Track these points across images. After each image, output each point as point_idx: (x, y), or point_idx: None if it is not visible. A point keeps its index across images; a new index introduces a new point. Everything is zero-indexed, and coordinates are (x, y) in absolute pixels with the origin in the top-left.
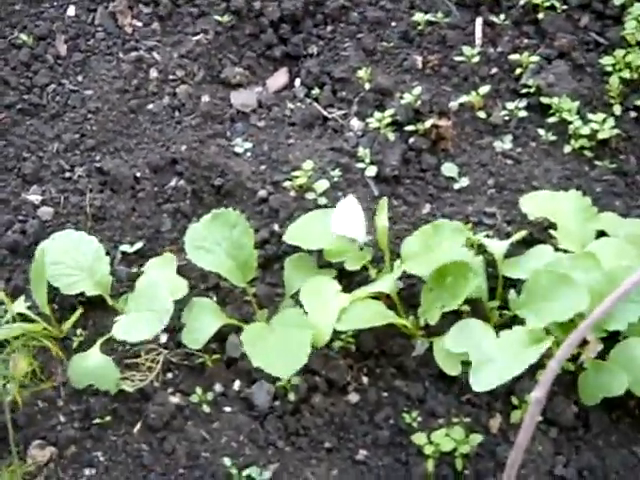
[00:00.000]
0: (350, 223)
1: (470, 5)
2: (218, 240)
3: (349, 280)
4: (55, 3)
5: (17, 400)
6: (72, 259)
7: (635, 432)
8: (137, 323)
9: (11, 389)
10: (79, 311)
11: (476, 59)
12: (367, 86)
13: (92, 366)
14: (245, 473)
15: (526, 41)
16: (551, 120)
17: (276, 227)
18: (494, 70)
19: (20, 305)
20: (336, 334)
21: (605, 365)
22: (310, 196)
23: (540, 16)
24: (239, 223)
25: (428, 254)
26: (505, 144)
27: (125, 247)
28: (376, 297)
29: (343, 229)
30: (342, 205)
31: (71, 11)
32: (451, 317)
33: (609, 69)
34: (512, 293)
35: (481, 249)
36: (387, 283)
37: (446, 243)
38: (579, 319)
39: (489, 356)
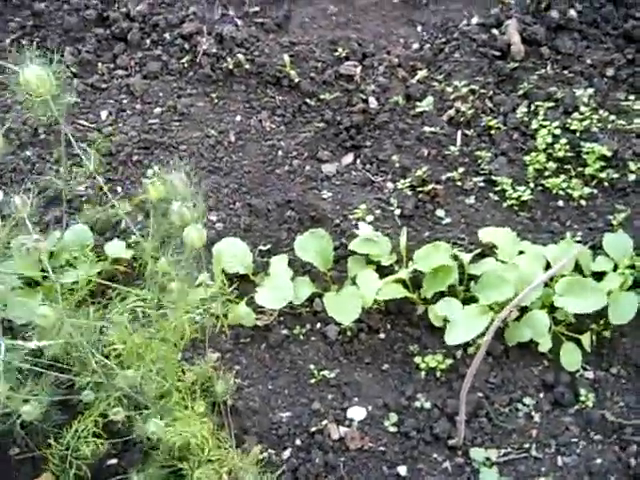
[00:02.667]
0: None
1: (454, 124)
2: (312, 246)
3: (383, 270)
4: (229, 113)
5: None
6: (232, 253)
7: (533, 360)
8: (270, 295)
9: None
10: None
11: (457, 153)
12: (397, 165)
13: (241, 312)
14: (321, 373)
15: (483, 145)
16: (496, 189)
17: (343, 240)
18: (466, 160)
19: (204, 277)
20: (375, 301)
21: (518, 324)
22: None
23: (492, 132)
24: (324, 236)
25: (429, 259)
26: (471, 200)
27: (261, 247)
28: (398, 281)
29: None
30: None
31: (238, 118)
32: (438, 294)
33: (528, 163)
34: (472, 284)
35: (457, 258)
36: (404, 273)
37: (439, 255)
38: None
39: (457, 323)
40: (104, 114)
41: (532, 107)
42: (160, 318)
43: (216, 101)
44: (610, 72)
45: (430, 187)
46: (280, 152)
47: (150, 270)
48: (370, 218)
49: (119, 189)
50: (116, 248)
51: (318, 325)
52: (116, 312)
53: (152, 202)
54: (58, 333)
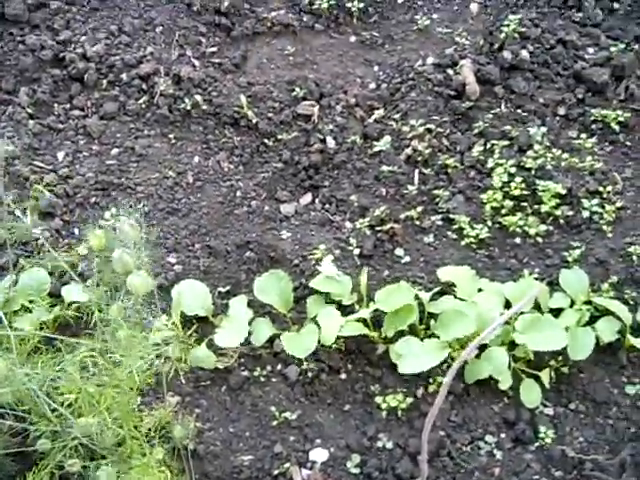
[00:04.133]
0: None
1: (412, 163)
2: (272, 287)
3: (344, 310)
4: (187, 154)
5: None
6: (192, 295)
7: (494, 398)
8: (229, 336)
9: (169, 366)
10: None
11: (414, 192)
12: (355, 204)
13: (201, 354)
14: (282, 415)
15: (441, 183)
16: (454, 227)
17: (303, 280)
18: (424, 198)
19: (162, 320)
20: (335, 341)
21: (478, 362)
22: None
23: (449, 170)
24: (283, 278)
25: (391, 299)
26: (429, 239)
27: (220, 289)
28: (359, 320)
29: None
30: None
31: (196, 159)
32: (399, 333)
33: (485, 201)
34: (432, 322)
35: (416, 297)
36: (365, 313)
37: (401, 295)
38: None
39: (412, 354)
40: (61, 155)
41: (488, 145)
42: (111, 366)
43: (174, 142)
44: (562, 111)
45: (389, 226)
46: (238, 193)
47: (97, 318)
48: (329, 258)
49: (76, 231)
50: (73, 292)
51: (279, 366)
52: (63, 364)
53: (95, 251)
54: (10, 384)
